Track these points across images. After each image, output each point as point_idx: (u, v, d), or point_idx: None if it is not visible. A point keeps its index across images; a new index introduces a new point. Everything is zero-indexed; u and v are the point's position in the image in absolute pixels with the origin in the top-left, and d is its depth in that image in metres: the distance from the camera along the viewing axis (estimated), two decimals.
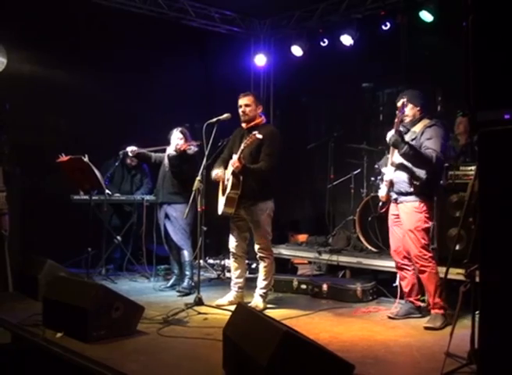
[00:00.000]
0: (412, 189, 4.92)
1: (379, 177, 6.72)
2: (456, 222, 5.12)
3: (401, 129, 5.09)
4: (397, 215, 5.11)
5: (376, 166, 6.67)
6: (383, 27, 7.68)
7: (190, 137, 6.30)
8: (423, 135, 4.93)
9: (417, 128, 5.00)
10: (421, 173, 4.89)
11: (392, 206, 5.17)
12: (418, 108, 5.05)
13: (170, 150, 6.26)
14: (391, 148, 5.07)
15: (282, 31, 9.18)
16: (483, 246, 2.95)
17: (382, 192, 5.15)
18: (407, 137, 4.91)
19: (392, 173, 5.04)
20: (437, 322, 4.78)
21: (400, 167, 4.99)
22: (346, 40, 7.95)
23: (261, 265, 5.61)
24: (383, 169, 5.28)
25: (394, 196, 5.08)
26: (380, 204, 5.24)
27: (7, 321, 4.81)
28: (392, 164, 5.04)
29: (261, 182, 5.46)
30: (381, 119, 7.99)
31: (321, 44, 8.46)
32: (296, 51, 8.62)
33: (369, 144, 7.38)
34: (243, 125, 5.57)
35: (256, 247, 5.56)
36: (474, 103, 2.93)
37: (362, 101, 8.53)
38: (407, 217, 4.98)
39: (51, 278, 5.23)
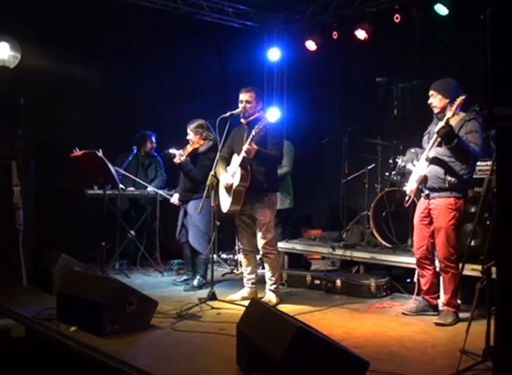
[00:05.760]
0: (446, 185, 4.77)
1: (394, 172, 6.75)
2: (471, 217, 5.08)
3: (435, 121, 4.96)
4: (426, 213, 4.96)
5: (398, 161, 6.61)
6: (397, 21, 7.60)
7: (207, 129, 6.21)
8: (462, 128, 4.76)
9: (453, 121, 4.73)
10: (457, 168, 4.77)
11: (421, 203, 5.02)
12: (448, 100, 4.81)
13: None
14: (427, 142, 4.93)
15: (295, 25, 9.16)
16: (500, 242, 2.91)
17: (411, 186, 4.98)
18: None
19: (426, 168, 4.87)
20: (448, 318, 4.76)
21: (434, 162, 4.84)
22: (361, 34, 7.92)
23: (267, 262, 5.56)
24: (410, 165, 5.17)
25: (426, 192, 4.94)
26: (407, 198, 5.08)
27: (21, 315, 4.84)
28: (426, 159, 4.87)
29: (270, 173, 5.43)
30: (395, 113, 7.93)
31: (335, 38, 8.41)
32: (310, 45, 8.59)
33: (383, 138, 7.33)
34: (243, 120, 5.52)
35: (261, 243, 5.47)
36: (491, 97, 2.89)
37: (376, 95, 8.47)
38: (439, 214, 4.82)
39: (65, 272, 5.25)
